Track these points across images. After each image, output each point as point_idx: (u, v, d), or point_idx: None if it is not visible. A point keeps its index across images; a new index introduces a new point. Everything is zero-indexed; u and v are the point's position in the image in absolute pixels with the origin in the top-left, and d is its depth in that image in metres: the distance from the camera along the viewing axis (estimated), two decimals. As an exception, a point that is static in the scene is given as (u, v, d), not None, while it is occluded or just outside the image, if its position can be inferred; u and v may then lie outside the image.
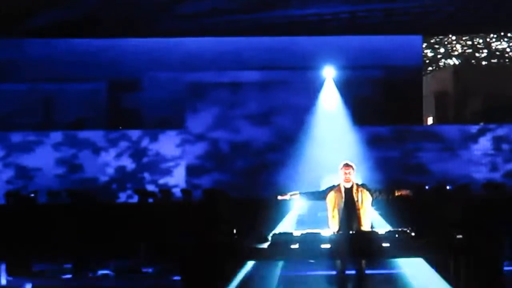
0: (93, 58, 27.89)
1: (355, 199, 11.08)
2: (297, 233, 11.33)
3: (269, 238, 11.31)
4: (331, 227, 11.47)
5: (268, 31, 28.26)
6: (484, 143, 26.43)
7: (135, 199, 25.07)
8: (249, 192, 24.88)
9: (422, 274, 11.85)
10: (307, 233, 11.25)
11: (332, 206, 11.27)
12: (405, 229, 11.40)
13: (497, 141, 26.52)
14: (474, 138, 26.49)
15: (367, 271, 11.72)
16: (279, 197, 11.26)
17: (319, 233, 11.18)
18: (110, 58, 27.92)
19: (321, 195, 11.12)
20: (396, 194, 11.18)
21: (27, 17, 26.74)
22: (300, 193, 11.08)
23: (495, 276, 11.10)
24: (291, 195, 11.13)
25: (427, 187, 24.83)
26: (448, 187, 24.63)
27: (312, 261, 11.50)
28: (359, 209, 10.97)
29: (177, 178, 26.18)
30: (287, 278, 13.03)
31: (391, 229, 11.47)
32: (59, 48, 27.92)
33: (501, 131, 26.65)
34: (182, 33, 28.16)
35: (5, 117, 26.56)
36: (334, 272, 11.48)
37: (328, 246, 10.90)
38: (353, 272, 11.66)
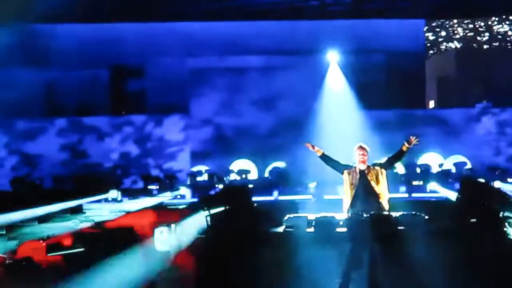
0: (96, 45, 27.81)
1: (370, 179, 11.15)
2: (311, 216, 11.38)
3: (284, 222, 11.36)
4: (343, 206, 11.53)
5: (271, 16, 28.22)
6: (488, 127, 26.50)
7: (139, 185, 25.15)
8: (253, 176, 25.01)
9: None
10: (322, 216, 11.30)
11: (346, 186, 11.35)
12: (419, 213, 11.48)
13: (501, 125, 26.59)
14: (477, 122, 26.58)
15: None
16: (305, 144, 11.33)
17: (333, 217, 11.26)
18: (113, 44, 27.85)
19: (339, 168, 11.15)
20: (404, 149, 11.20)
21: (31, 3, 26.67)
22: (323, 153, 11.12)
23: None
24: (315, 149, 11.17)
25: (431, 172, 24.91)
26: (453, 171, 24.68)
27: (327, 245, 11.56)
28: (375, 187, 11.03)
29: (181, 163, 26.21)
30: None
31: (405, 212, 11.54)
32: (62, 35, 27.83)
33: (504, 115, 26.71)
34: (184, 18, 28.09)
35: (9, 104, 26.49)
36: (347, 255, 11.47)
37: (343, 229, 10.98)
38: (366, 256, 11.66)
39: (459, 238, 11.12)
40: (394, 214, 11.31)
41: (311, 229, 11.15)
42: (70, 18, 27.47)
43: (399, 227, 10.95)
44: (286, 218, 11.77)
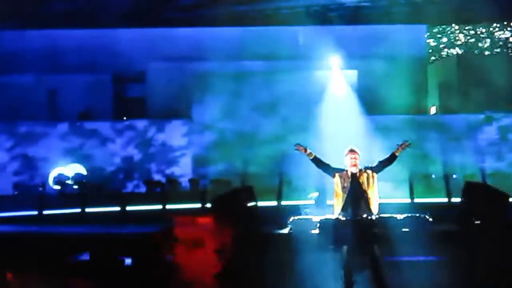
0: (98, 49, 27.89)
1: (361, 182, 11.14)
2: (316, 218, 11.37)
3: (289, 223, 11.36)
4: (334, 209, 11.51)
5: (273, 21, 28.27)
6: (489, 133, 26.54)
7: (141, 189, 25.19)
8: (255, 181, 24.90)
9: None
10: (326, 218, 11.29)
11: (337, 189, 11.33)
12: (423, 215, 11.49)
13: (502, 131, 26.63)
14: (479, 128, 26.62)
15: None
16: (296, 147, 11.33)
17: (338, 219, 11.22)
18: (115, 49, 27.92)
19: (330, 170, 11.15)
20: (397, 153, 11.24)
21: (33, 8, 26.75)
22: (315, 156, 11.12)
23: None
24: (307, 152, 11.16)
25: (433, 176, 24.92)
26: (454, 176, 24.67)
27: (331, 246, 11.56)
28: (366, 191, 11.02)
29: (183, 168, 26.22)
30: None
31: (409, 215, 11.54)
32: (64, 40, 27.91)
33: (506, 121, 26.76)
34: (186, 24, 28.15)
35: (11, 108, 26.56)
36: (342, 258, 11.44)
37: (339, 231, 10.95)
38: (367, 259, 11.62)
39: (463, 240, 11.16)
40: (397, 216, 11.34)
41: (316, 231, 11.17)
42: (73, 24, 27.57)
43: (400, 230, 10.99)
44: (290, 220, 11.78)
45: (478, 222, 11.43)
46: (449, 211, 15.01)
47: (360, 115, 25.27)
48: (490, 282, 10.15)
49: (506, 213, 12.10)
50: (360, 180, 11.06)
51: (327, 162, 11.25)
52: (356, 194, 11.02)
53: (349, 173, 11.16)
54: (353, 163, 11.08)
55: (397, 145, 11.07)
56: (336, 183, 11.15)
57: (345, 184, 11.05)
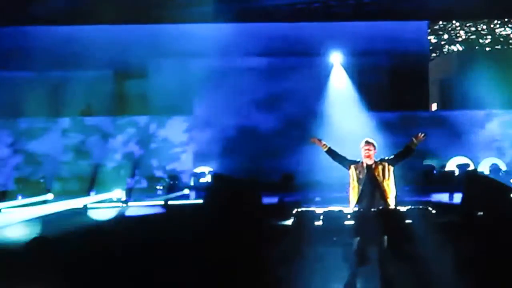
0: (100, 46, 27.81)
1: (377, 174, 11.16)
2: (320, 210, 11.41)
3: (293, 215, 11.39)
4: (350, 201, 11.53)
5: (274, 17, 28.25)
6: (491, 129, 26.59)
7: (143, 185, 25.19)
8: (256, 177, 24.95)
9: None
10: (329, 210, 11.33)
11: (353, 181, 11.36)
12: (426, 207, 11.52)
13: (503, 127, 26.69)
14: (480, 124, 26.66)
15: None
16: (312, 139, 11.35)
17: (341, 210, 11.29)
18: (116, 45, 27.86)
19: (345, 162, 11.16)
20: (413, 147, 11.26)
21: (34, 5, 26.74)
22: (329, 148, 11.12)
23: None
24: (322, 144, 11.18)
25: (435, 172, 24.98)
26: (455, 173, 24.74)
27: (335, 238, 11.60)
28: (382, 183, 11.03)
29: (185, 164, 26.24)
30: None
31: (412, 207, 11.58)
32: (66, 36, 27.86)
33: (507, 117, 26.83)
34: (188, 20, 28.11)
35: (13, 105, 26.55)
36: (353, 250, 11.48)
37: (350, 223, 11.02)
38: (373, 250, 11.65)
39: (466, 231, 11.18)
40: (402, 208, 11.35)
41: (319, 223, 11.21)
42: (74, 20, 27.53)
43: (406, 221, 11.00)
44: (294, 211, 11.83)
45: (481, 213, 11.46)
46: (451, 205, 15.10)
47: (362, 111, 25.30)
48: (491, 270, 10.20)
49: (507, 206, 12.14)
50: (376, 172, 11.10)
51: (342, 154, 11.30)
52: (371, 186, 11.06)
53: (364, 165, 11.19)
54: (367, 154, 11.12)
55: (413, 137, 11.09)
56: (351, 175, 11.21)
57: (361, 176, 11.10)
